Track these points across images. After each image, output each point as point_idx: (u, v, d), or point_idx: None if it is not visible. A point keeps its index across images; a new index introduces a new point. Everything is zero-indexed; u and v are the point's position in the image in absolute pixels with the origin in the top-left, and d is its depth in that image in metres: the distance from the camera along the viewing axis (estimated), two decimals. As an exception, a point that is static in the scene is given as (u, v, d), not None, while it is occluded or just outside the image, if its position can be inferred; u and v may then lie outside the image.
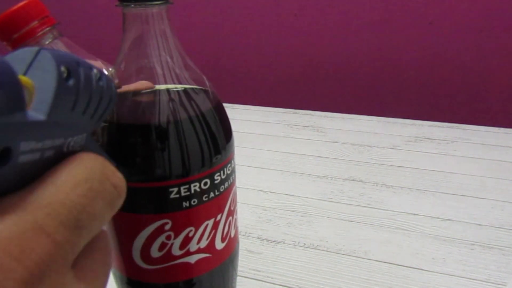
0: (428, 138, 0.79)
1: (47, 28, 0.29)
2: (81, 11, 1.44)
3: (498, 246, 0.51)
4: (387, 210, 0.58)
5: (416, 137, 0.80)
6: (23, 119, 0.13)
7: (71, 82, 0.16)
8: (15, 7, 0.28)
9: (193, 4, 1.28)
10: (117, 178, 0.17)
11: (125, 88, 0.29)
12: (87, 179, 0.16)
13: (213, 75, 0.33)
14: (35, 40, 0.29)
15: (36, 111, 0.14)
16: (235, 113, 0.93)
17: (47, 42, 0.30)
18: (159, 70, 0.29)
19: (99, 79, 0.17)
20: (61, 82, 0.15)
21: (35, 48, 0.15)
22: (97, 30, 1.43)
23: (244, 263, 0.49)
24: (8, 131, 0.13)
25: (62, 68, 0.15)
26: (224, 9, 1.28)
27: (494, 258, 0.49)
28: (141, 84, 0.29)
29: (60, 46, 0.30)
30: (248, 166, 0.71)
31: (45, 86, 0.15)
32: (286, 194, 0.63)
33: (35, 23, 0.29)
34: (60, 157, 0.16)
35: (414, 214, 0.57)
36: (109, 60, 0.32)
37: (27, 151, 0.14)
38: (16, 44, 0.29)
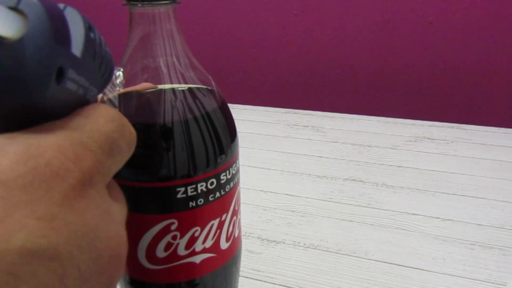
0: (428, 138, 0.79)
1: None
2: (86, 10, 1.43)
3: (498, 246, 0.51)
4: (387, 210, 0.58)
5: (416, 137, 0.80)
6: (69, 50, 0.17)
7: (91, 35, 0.19)
8: None
9: (192, 4, 1.28)
10: (131, 127, 0.20)
11: (128, 89, 0.29)
12: (114, 119, 0.19)
13: (213, 75, 0.33)
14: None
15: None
16: (235, 113, 0.93)
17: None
18: (165, 70, 0.29)
19: (104, 44, 0.20)
20: (87, 32, 0.18)
21: (62, 4, 0.18)
22: (102, 29, 1.42)
23: (244, 263, 0.49)
24: (61, 56, 0.16)
25: (86, 23, 0.18)
26: (223, 9, 1.28)
27: (494, 258, 0.49)
28: (144, 86, 0.29)
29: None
30: (248, 166, 0.71)
31: (76, 33, 0.18)
32: (286, 194, 0.63)
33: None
34: (84, 102, 0.19)
35: (414, 214, 0.57)
36: (114, 60, 0.32)
37: (72, 78, 0.17)
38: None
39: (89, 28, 0.18)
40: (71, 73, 0.17)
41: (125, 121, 0.20)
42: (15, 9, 0.15)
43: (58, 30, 0.16)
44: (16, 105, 0.16)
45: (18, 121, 0.16)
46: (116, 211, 0.18)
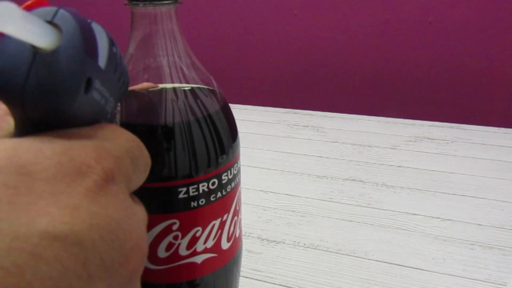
0: (428, 138, 0.79)
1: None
2: (87, 10, 1.43)
3: (498, 246, 0.51)
4: (387, 210, 0.58)
5: (416, 137, 0.80)
6: (96, 62, 0.18)
7: (114, 49, 0.19)
8: (22, 6, 0.28)
9: (193, 4, 1.28)
10: (147, 152, 0.21)
11: (129, 89, 0.29)
12: (134, 140, 0.20)
13: (213, 74, 0.33)
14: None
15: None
16: (235, 113, 0.92)
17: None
18: (166, 70, 0.29)
19: (123, 59, 0.21)
20: (110, 46, 0.19)
21: (89, 20, 0.19)
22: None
23: (244, 263, 0.49)
24: (90, 67, 0.17)
25: (109, 38, 0.19)
26: (224, 9, 1.28)
27: (494, 258, 0.49)
28: (145, 86, 0.29)
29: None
30: (248, 166, 0.71)
31: (102, 47, 0.18)
32: (286, 194, 0.63)
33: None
34: (104, 112, 0.20)
35: (414, 214, 0.57)
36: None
37: (97, 89, 0.18)
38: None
39: (112, 43, 0.19)
40: (97, 84, 0.18)
41: (143, 145, 0.20)
42: (50, 22, 0.16)
43: (88, 43, 0.17)
44: (47, 110, 0.17)
45: (45, 125, 0.17)
46: (137, 210, 0.18)
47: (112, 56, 0.19)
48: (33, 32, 0.15)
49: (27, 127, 0.17)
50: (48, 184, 0.15)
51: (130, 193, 0.19)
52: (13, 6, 0.13)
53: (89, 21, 0.19)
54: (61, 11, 0.17)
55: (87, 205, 0.15)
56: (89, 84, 0.17)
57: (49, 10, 0.17)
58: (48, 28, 0.16)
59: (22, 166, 0.15)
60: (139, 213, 0.19)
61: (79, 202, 0.15)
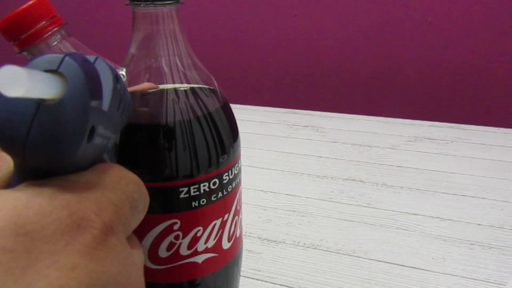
0: (428, 138, 0.79)
1: (55, 28, 0.29)
2: (89, 10, 1.43)
3: (498, 246, 0.51)
4: (387, 210, 0.58)
5: (416, 137, 0.80)
6: (100, 107, 0.17)
7: (118, 86, 0.19)
8: (23, 7, 0.28)
9: (193, 4, 1.28)
10: (146, 190, 0.21)
11: (130, 89, 0.29)
12: (134, 182, 0.20)
13: (213, 74, 0.33)
14: (43, 40, 0.29)
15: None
16: (235, 113, 0.92)
17: (55, 43, 0.29)
18: (167, 70, 0.29)
19: (126, 90, 0.21)
20: (115, 84, 0.19)
21: (93, 56, 0.19)
22: (105, 29, 1.42)
23: (244, 263, 0.49)
24: (95, 115, 0.17)
25: (114, 74, 0.19)
26: (224, 9, 1.28)
27: (493, 258, 0.49)
28: (146, 86, 0.29)
29: (68, 47, 0.30)
30: (248, 166, 0.71)
31: (106, 88, 0.18)
32: (286, 194, 0.63)
33: (43, 23, 0.28)
34: (105, 150, 0.20)
35: (414, 214, 0.57)
36: (117, 60, 0.32)
37: (100, 134, 0.18)
38: (24, 44, 0.28)
39: (116, 79, 0.19)
40: (100, 129, 0.17)
41: (143, 184, 0.21)
42: (56, 71, 0.16)
43: (94, 90, 0.17)
44: (48, 161, 0.16)
45: (46, 173, 0.17)
46: (135, 257, 0.19)
47: (116, 94, 0.19)
48: (39, 88, 0.14)
49: (27, 172, 0.17)
50: (46, 243, 0.15)
51: (129, 235, 0.19)
52: (17, 69, 0.13)
53: (93, 59, 0.18)
54: (67, 59, 0.16)
55: (85, 263, 0.15)
56: (92, 131, 0.17)
57: (55, 58, 0.16)
58: (54, 79, 0.15)
59: (20, 226, 0.15)
60: (137, 260, 0.19)
61: (77, 260, 0.15)
